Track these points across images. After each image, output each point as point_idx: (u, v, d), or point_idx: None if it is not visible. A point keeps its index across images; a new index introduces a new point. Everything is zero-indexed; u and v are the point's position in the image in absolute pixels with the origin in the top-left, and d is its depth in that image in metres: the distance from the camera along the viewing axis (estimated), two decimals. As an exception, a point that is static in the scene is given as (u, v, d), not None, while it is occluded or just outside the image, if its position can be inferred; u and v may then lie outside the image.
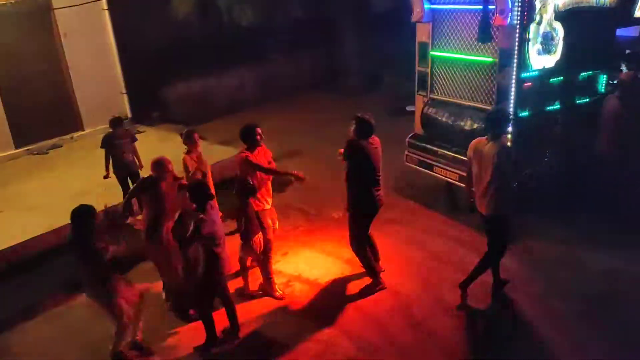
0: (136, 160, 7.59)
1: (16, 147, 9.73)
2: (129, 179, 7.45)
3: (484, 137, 5.19)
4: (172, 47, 12.14)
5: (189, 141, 6.23)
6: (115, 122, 7.48)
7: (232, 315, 5.16)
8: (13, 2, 9.74)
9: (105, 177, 7.37)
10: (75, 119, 10.90)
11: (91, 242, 4.48)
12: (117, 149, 7.38)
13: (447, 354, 4.87)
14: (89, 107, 10.95)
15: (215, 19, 12.33)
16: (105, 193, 7.65)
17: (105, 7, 11.04)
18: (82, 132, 10.95)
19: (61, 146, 10.36)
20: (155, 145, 10.11)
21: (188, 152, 6.22)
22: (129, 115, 11.66)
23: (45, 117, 10.29)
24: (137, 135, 10.77)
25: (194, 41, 12.52)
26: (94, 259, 4.53)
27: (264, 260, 5.69)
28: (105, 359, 4.89)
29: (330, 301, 5.75)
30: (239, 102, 13.25)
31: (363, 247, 5.73)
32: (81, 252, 4.56)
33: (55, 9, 10.20)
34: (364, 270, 5.94)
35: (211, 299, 5.03)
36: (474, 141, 5.30)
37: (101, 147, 7.39)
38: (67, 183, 8.39)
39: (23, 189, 8.25)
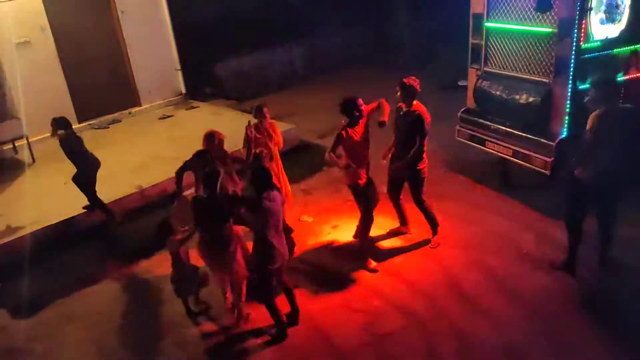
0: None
1: (79, 122, 10.19)
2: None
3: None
4: (225, 24, 12.31)
5: (259, 115, 6.26)
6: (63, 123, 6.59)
7: (291, 300, 5.13)
8: (73, -19, 10.10)
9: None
10: (133, 95, 11.28)
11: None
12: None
13: (498, 331, 4.84)
14: (145, 83, 11.30)
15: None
16: (162, 166, 7.95)
17: (160, -16, 11.27)
18: (139, 108, 11.33)
19: (120, 121, 10.77)
20: (208, 120, 10.36)
21: (256, 126, 6.18)
22: (184, 90, 11.95)
23: (105, 93, 10.70)
24: (191, 111, 11.14)
25: (246, 17, 12.64)
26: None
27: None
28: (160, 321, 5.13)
29: (377, 274, 5.80)
30: (290, 77, 13.34)
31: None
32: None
33: (113, -14, 10.51)
34: (411, 243, 6.18)
35: (268, 287, 4.89)
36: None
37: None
38: (127, 156, 8.74)
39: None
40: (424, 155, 5.82)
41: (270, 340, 5.00)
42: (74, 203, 7.11)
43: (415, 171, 5.84)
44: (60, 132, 6.51)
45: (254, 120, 6.06)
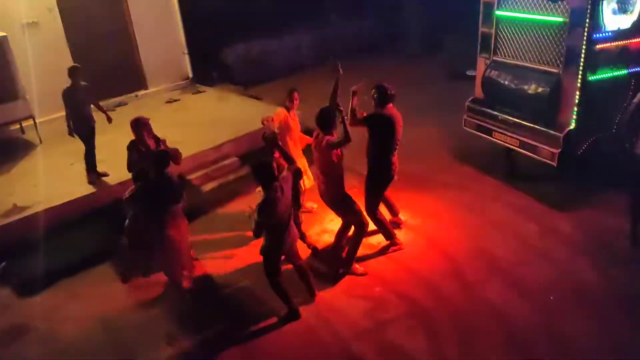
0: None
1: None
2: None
3: None
4: (234, 9, 12.25)
5: (289, 99, 6.29)
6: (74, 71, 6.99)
7: (307, 281, 5.22)
8: (82, -37, 10.05)
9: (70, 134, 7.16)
10: (140, 78, 11.25)
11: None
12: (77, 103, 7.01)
13: (499, 321, 4.85)
14: (152, 66, 11.26)
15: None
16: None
17: (169, -33, 11.20)
18: (146, 91, 11.30)
19: (127, 104, 10.75)
20: (214, 105, 10.36)
21: (287, 109, 6.28)
22: (191, 75, 11.92)
23: (112, 75, 10.66)
24: (197, 95, 11.12)
25: (255, 3, 12.56)
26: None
27: None
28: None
29: (379, 261, 5.81)
30: (297, 64, 13.27)
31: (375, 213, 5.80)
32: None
33: (121, -32, 10.46)
34: (414, 231, 6.08)
35: (274, 269, 4.93)
36: None
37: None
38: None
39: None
40: (386, 167, 5.60)
41: (277, 323, 5.03)
42: (80, 183, 7.14)
43: (373, 177, 5.69)
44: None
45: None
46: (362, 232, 5.51)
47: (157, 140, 5.82)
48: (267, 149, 5.57)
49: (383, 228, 5.90)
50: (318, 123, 5.27)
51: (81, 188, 7.09)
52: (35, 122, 8.95)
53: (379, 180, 5.71)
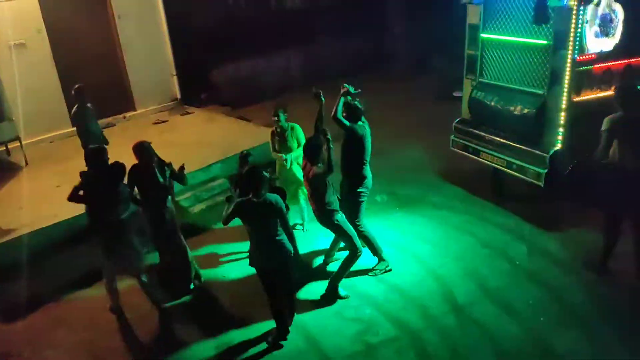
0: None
1: (73, 126, 10.11)
2: None
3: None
4: (222, 30, 12.31)
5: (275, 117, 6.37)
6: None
7: (289, 302, 5.16)
8: (71, -16, 10.09)
9: None
10: (128, 99, 11.23)
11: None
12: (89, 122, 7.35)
13: (490, 341, 4.83)
14: (140, 88, 11.26)
15: (264, 1, 12.43)
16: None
17: (158, -10, 11.27)
18: (134, 112, 11.28)
19: (114, 125, 10.72)
20: (202, 126, 10.35)
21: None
22: (179, 96, 11.93)
23: (100, 97, 10.58)
24: (186, 117, 11.12)
25: (243, 24, 12.65)
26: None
27: None
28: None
29: (369, 283, 5.78)
30: (287, 85, 13.34)
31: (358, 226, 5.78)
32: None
33: (110, -9, 10.51)
34: (404, 252, 6.07)
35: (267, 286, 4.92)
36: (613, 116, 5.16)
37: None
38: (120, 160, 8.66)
39: (79, 165, 8.57)
40: (361, 180, 5.65)
41: (265, 347, 4.97)
42: (67, 205, 7.04)
43: (351, 193, 5.71)
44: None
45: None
46: (353, 258, 5.50)
47: (162, 163, 5.65)
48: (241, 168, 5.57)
49: (369, 244, 5.88)
50: (305, 154, 5.32)
51: (68, 210, 6.99)
52: (21, 144, 8.87)
53: (354, 192, 5.69)
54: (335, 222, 5.38)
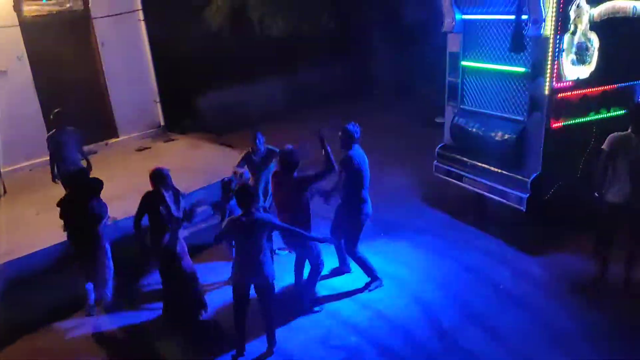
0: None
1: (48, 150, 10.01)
2: None
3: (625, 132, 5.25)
4: (206, 57, 12.37)
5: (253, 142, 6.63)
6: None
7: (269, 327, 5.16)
8: (55, 12, 10.10)
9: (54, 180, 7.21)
10: (110, 126, 11.16)
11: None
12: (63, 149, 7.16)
13: (475, 366, 4.80)
14: (123, 115, 11.20)
15: (248, 29, 12.55)
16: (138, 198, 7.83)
17: (142, 17, 11.33)
18: (116, 139, 11.20)
19: (96, 152, 10.59)
20: (186, 153, 10.31)
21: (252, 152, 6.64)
22: (162, 122, 11.90)
23: (82, 123, 10.48)
24: (169, 143, 11.08)
25: (227, 51, 12.73)
26: None
27: None
28: None
29: (353, 309, 5.73)
30: (270, 111, 13.40)
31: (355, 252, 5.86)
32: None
33: (94, 18, 10.53)
34: (386, 278, 6.06)
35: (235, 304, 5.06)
36: (615, 135, 5.27)
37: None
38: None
39: (59, 192, 8.47)
40: (362, 205, 5.68)
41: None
42: (46, 234, 6.92)
43: (350, 219, 5.74)
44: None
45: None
46: (318, 270, 5.59)
47: (177, 192, 5.57)
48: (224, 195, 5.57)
49: (364, 266, 5.90)
50: (282, 162, 5.35)
51: (47, 239, 6.86)
52: (0, 172, 8.73)
53: (353, 217, 5.71)
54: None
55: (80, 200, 5.61)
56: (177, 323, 5.67)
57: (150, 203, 5.39)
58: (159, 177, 5.41)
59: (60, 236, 6.90)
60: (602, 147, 5.31)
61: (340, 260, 6.32)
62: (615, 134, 5.29)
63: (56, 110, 7.38)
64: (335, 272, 6.34)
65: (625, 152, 5.20)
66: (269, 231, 4.98)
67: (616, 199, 5.29)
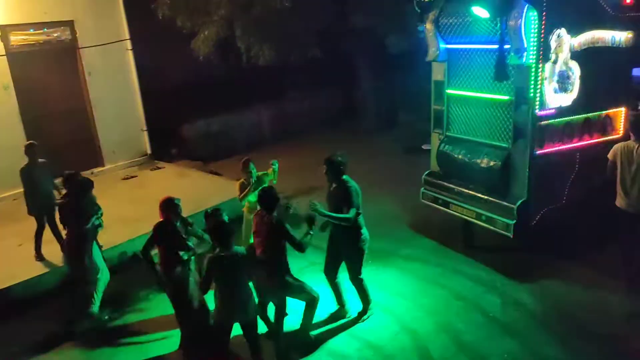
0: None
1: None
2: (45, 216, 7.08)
3: (628, 142, 5.67)
4: (193, 86, 12.46)
5: (244, 170, 6.59)
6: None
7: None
8: (42, 42, 10.13)
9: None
10: (97, 155, 11.13)
11: None
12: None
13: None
14: (109, 143, 11.20)
15: (234, 58, 12.68)
16: (123, 228, 7.75)
17: (129, 47, 11.40)
18: (102, 168, 11.14)
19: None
20: (173, 181, 10.26)
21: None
22: (149, 151, 11.87)
23: (68, 152, 10.50)
24: (156, 172, 11.03)
25: (214, 80, 12.83)
26: None
27: None
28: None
29: (342, 339, 5.65)
30: (257, 140, 13.46)
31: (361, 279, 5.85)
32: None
33: (81, 48, 10.58)
34: (375, 307, 6.01)
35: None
36: (618, 145, 5.73)
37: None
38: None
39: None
40: (361, 230, 5.65)
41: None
42: (28, 265, 6.80)
43: (352, 247, 5.71)
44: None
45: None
46: (314, 305, 5.45)
47: (185, 221, 5.45)
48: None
49: (363, 293, 5.86)
50: (262, 202, 5.18)
51: (28, 270, 6.74)
52: (-18, 202, 8.62)
53: (356, 246, 5.67)
54: (289, 284, 5.21)
55: (73, 199, 6.00)
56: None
57: (163, 233, 5.20)
58: (170, 207, 5.25)
59: (42, 268, 6.81)
60: (607, 156, 5.74)
61: (338, 299, 6.07)
62: (619, 143, 5.72)
63: (29, 142, 7.26)
64: (334, 317, 6.04)
65: (628, 161, 5.59)
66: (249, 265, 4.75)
67: (628, 207, 5.63)
